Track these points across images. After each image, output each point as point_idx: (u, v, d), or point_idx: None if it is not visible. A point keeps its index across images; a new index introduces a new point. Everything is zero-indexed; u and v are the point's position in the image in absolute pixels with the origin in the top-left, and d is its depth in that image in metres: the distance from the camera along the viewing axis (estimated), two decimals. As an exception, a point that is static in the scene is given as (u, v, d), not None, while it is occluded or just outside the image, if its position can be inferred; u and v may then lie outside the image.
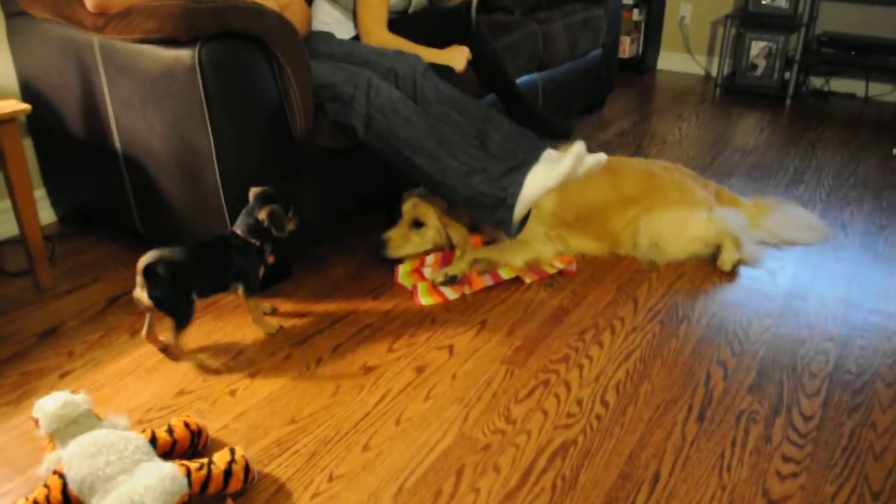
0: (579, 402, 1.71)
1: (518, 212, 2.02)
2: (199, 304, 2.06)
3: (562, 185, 2.31)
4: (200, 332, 1.96)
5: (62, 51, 2.08)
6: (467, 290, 2.15)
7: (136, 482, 1.27)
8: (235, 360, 1.85)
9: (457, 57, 2.53)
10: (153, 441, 1.43)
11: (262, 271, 1.90)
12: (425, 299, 2.11)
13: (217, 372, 1.80)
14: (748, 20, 4.14)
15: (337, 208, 2.25)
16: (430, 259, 2.25)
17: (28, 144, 2.44)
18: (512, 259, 2.23)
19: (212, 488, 1.35)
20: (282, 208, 1.83)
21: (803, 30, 4.02)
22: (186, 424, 1.50)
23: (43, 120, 2.29)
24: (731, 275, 2.25)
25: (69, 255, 2.35)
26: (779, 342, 1.94)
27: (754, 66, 4.22)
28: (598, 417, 1.66)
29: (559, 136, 2.80)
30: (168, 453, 1.45)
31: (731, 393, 1.75)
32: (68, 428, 1.40)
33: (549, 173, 1.99)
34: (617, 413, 1.68)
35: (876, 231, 2.56)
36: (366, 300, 2.12)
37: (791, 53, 4.15)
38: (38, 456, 1.49)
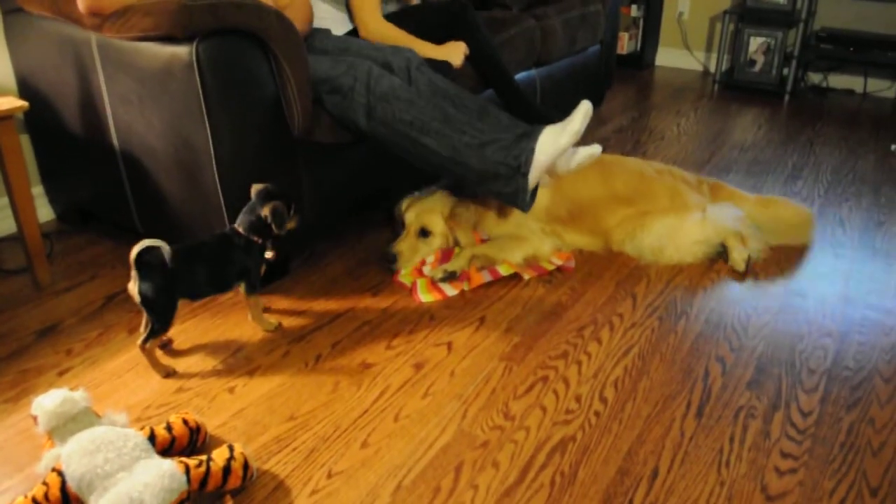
0: (578, 399, 1.71)
1: (532, 178, 2.01)
2: (197, 301, 2.06)
3: (555, 182, 2.32)
4: (199, 330, 1.96)
5: (60, 48, 2.07)
6: (466, 287, 2.15)
7: (135, 479, 1.27)
8: (234, 357, 1.85)
9: (454, 52, 2.53)
10: (152, 438, 1.43)
11: (262, 268, 1.90)
12: (425, 296, 2.11)
13: (179, 384, 1.80)
14: (746, 16, 4.14)
15: (336, 205, 2.24)
16: (430, 258, 2.25)
17: (26, 142, 2.43)
18: (510, 255, 2.23)
19: (210, 485, 1.35)
20: (284, 205, 1.83)
21: (802, 25, 4.02)
22: (185, 421, 1.50)
23: (41, 117, 2.29)
24: (746, 272, 2.24)
25: (67, 253, 2.35)
26: (777, 338, 1.94)
27: (753, 62, 4.22)
28: (596, 414, 1.66)
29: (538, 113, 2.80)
30: (167, 450, 1.45)
31: (729, 389, 1.75)
32: (67, 425, 1.40)
33: (559, 135, 1.98)
34: (615, 409, 1.68)
35: (874, 227, 2.56)
36: (364, 297, 2.12)
37: (789, 49, 4.14)
38: (37, 453, 1.50)
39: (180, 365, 1.82)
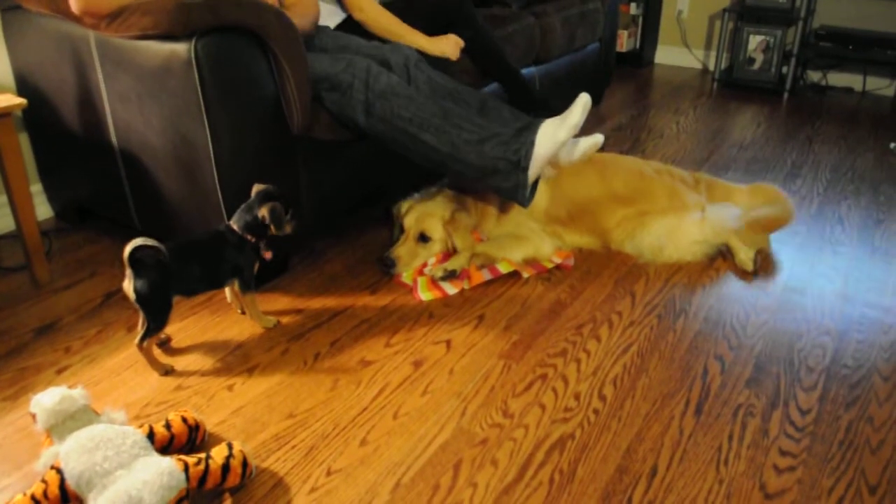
0: (577, 397, 1.71)
1: (532, 173, 2.01)
2: (197, 299, 2.06)
3: (554, 182, 2.32)
4: (197, 328, 1.96)
5: (58, 45, 2.07)
6: (466, 285, 2.15)
7: (134, 477, 1.27)
8: (233, 354, 1.85)
9: (449, 46, 2.51)
10: (151, 436, 1.43)
11: (256, 266, 1.90)
12: (425, 294, 2.11)
13: (177, 383, 1.81)
14: (746, 14, 4.14)
15: (335, 203, 2.24)
16: (431, 259, 2.24)
17: (24, 140, 2.43)
18: (510, 254, 2.23)
19: (210, 483, 1.35)
20: (282, 206, 1.82)
21: (801, 23, 4.01)
22: (184, 419, 1.50)
23: (39, 115, 2.29)
24: (755, 271, 2.24)
25: (66, 251, 2.35)
26: (776, 336, 1.94)
27: (752, 60, 4.22)
28: (595, 411, 1.66)
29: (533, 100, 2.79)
30: (166, 448, 1.45)
31: (728, 387, 1.75)
32: (66, 423, 1.40)
33: (559, 128, 1.98)
34: (614, 407, 1.68)
35: (873, 225, 2.56)
36: (363, 295, 2.12)
37: (789, 47, 4.14)
38: (36, 451, 1.50)
39: (179, 363, 1.82)
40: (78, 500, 1.32)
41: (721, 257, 2.32)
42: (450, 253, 2.26)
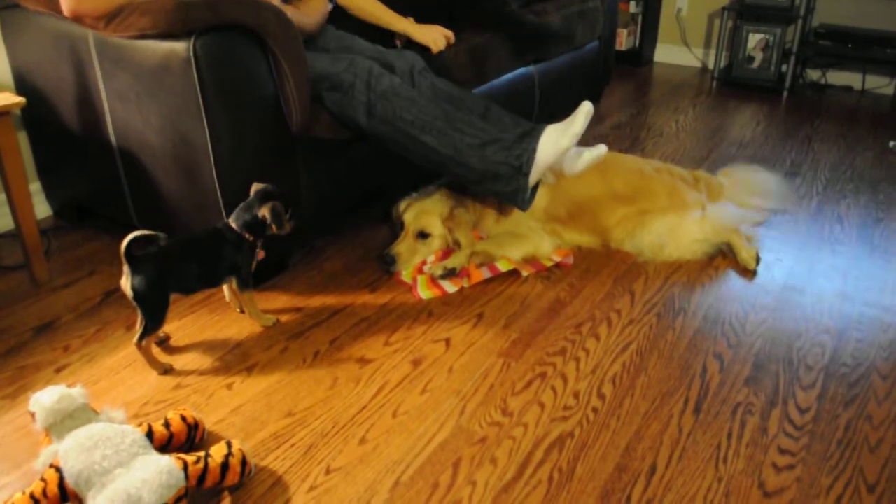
0: (576, 395, 1.71)
1: (532, 178, 2.02)
2: (195, 297, 2.06)
3: (555, 181, 2.32)
4: (196, 326, 1.96)
5: (57, 44, 2.07)
6: (466, 284, 2.15)
7: (133, 476, 1.27)
8: (232, 353, 1.85)
9: (434, 35, 2.50)
10: (150, 435, 1.43)
11: (254, 265, 1.90)
12: (424, 293, 2.11)
13: (174, 378, 1.81)
14: (745, 12, 4.14)
15: (334, 202, 2.24)
16: (431, 256, 2.25)
17: (23, 138, 2.43)
18: (510, 252, 2.23)
19: (209, 481, 1.35)
20: (282, 205, 1.82)
21: (800, 22, 4.01)
22: (183, 418, 1.50)
23: (38, 113, 2.28)
24: (756, 270, 2.25)
25: (65, 249, 2.35)
26: (775, 335, 1.94)
27: (751, 59, 4.22)
28: (594, 410, 1.66)
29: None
30: (165, 447, 1.45)
31: (727, 385, 1.75)
32: (65, 422, 1.40)
33: (561, 136, 1.99)
34: (613, 405, 1.68)
35: (872, 224, 2.56)
36: (363, 293, 2.12)
37: (788, 46, 4.14)
38: (35, 450, 1.49)
39: (178, 361, 1.82)
40: (77, 499, 1.32)
41: (721, 256, 2.32)
42: (450, 251, 2.26)
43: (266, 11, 1.84)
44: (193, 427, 1.51)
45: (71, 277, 2.19)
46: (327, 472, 1.49)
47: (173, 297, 1.75)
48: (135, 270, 1.66)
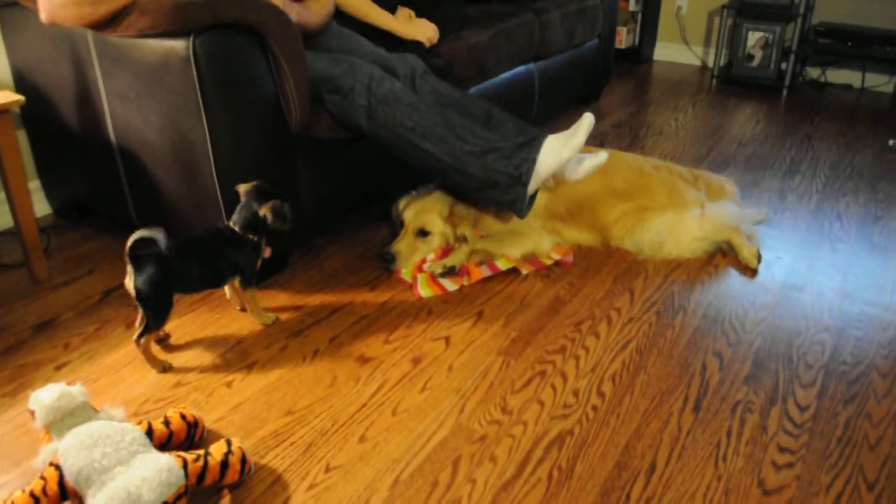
0: (575, 393, 1.71)
1: (531, 188, 2.03)
2: (195, 295, 2.06)
3: (553, 187, 2.32)
4: (196, 324, 1.96)
5: (56, 42, 2.06)
6: (466, 282, 2.15)
7: (133, 474, 1.27)
8: (232, 351, 1.85)
9: (422, 30, 2.50)
10: (149, 433, 1.43)
11: (258, 263, 1.90)
12: (425, 291, 2.11)
13: (170, 373, 1.81)
14: (745, 10, 4.14)
15: (334, 200, 2.24)
16: (430, 255, 2.25)
17: (22, 136, 2.42)
18: (509, 250, 2.23)
19: (208, 480, 1.36)
20: (280, 202, 1.82)
21: (800, 20, 4.01)
22: (183, 416, 1.50)
23: (37, 112, 2.28)
24: (758, 268, 2.25)
25: (64, 248, 2.35)
26: (774, 333, 1.95)
27: (751, 57, 4.22)
28: (594, 408, 1.66)
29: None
30: (164, 445, 1.45)
31: (726, 383, 1.75)
32: (64, 420, 1.40)
33: (563, 147, 1.99)
34: (613, 403, 1.68)
35: (872, 222, 2.56)
36: (362, 291, 2.12)
37: (788, 44, 4.14)
38: (35, 448, 1.49)
39: (178, 359, 1.82)
40: (77, 497, 1.32)
41: (721, 254, 2.32)
42: (449, 249, 2.26)
43: (265, 10, 1.84)
44: (193, 425, 1.51)
45: (70, 276, 2.19)
46: (327, 470, 1.49)
47: (176, 296, 1.75)
48: (138, 270, 1.66)
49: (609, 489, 1.44)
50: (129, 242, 1.64)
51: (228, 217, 1.87)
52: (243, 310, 2.00)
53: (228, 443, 1.41)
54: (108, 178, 2.19)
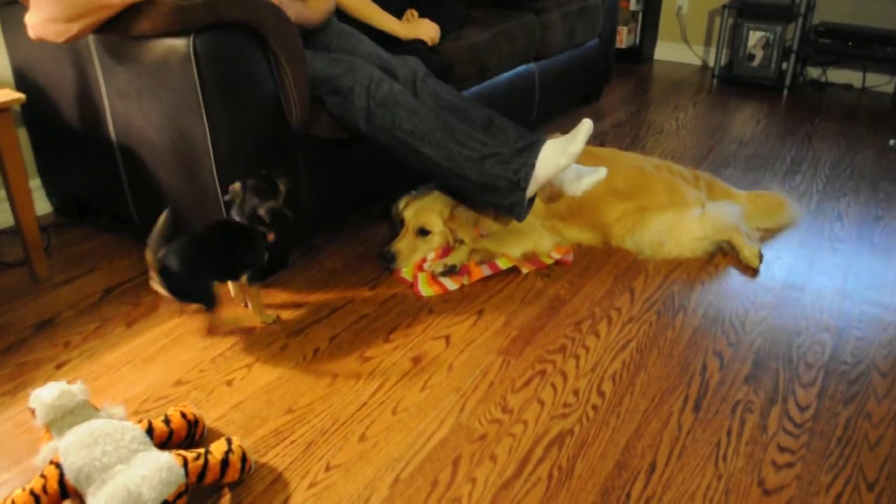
0: (576, 392, 1.71)
1: (530, 192, 2.03)
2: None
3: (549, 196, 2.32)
4: (196, 322, 1.96)
5: (57, 40, 2.06)
6: (466, 281, 2.15)
7: (133, 472, 1.27)
8: (232, 350, 1.85)
9: (425, 29, 2.50)
10: (150, 431, 1.43)
11: (266, 257, 1.90)
12: (425, 290, 2.11)
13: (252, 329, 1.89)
14: (745, 10, 4.13)
15: (334, 199, 2.24)
16: (431, 254, 2.25)
17: (23, 134, 2.42)
18: (510, 249, 2.23)
19: (209, 478, 1.36)
20: (277, 203, 1.82)
21: (801, 20, 4.01)
22: (183, 414, 1.50)
23: (38, 110, 2.28)
24: (759, 268, 2.24)
25: (65, 246, 2.35)
26: (775, 333, 1.95)
27: (751, 57, 4.21)
28: (594, 407, 1.66)
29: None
30: (165, 443, 1.45)
31: (727, 383, 1.75)
32: (65, 418, 1.40)
33: (561, 154, 1.99)
34: (613, 403, 1.68)
35: (872, 222, 2.56)
36: (363, 290, 2.12)
37: (788, 44, 4.14)
38: (35, 446, 1.49)
39: (178, 357, 1.82)
40: (77, 495, 1.32)
41: (721, 254, 2.32)
42: (449, 248, 2.25)
43: (265, 9, 1.84)
44: (193, 423, 1.51)
45: (71, 274, 2.19)
46: (327, 468, 1.49)
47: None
48: (167, 279, 1.73)
49: (609, 488, 1.45)
50: (154, 260, 1.71)
51: (227, 213, 1.87)
52: (247, 306, 2.00)
53: (229, 441, 1.42)
54: (109, 176, 2.19)
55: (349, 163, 2.24)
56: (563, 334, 1.93)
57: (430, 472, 1.48)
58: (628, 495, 1.43)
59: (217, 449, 1.39)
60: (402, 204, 2.33)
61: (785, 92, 4.15)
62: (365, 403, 1.67)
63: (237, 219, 1.83)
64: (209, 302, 1.82)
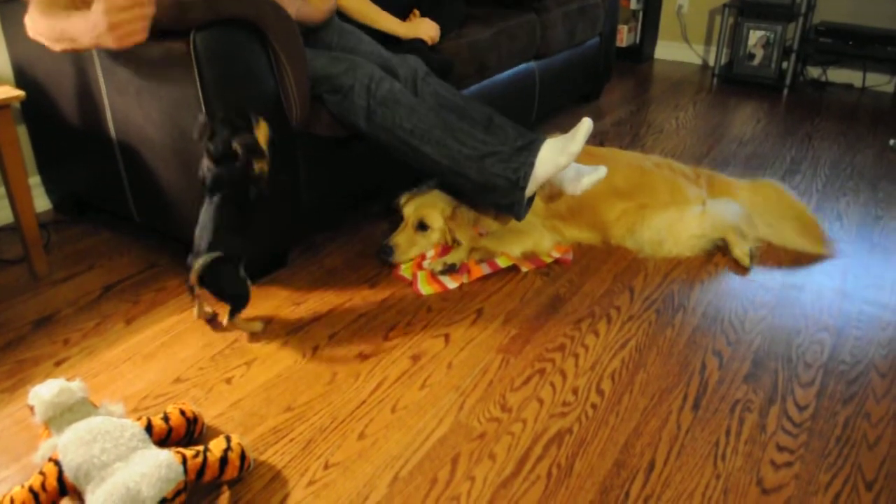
0: (575, 391, 1.71)
1: (529, 192, 2.03)
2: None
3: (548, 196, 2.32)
4: (195, 320, 1.95)
5: (56, 37, 2.06)
6: (466, 280, 2.15)
7: (132, 469, 1.27)
8: (231, 347, 1.85)
9: (425, 28, 2.50)
10: (149, 428, 1.43)
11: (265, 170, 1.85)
12: (425, 288, 2.11)
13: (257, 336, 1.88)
14: (746, 9, 4.13)
15: (334, 197, 2.24)
16: (430, 252, 2.25)
17: (23, 132, 2.42)
18: (510, 248, 2.23)
19: (207, 476, 1.36)
20: (252, 137, 1.77)
21: (801, 19, 4.01)
22: (182, 412, 1.50)
23: (37, 107, 2.28)
24: (751, 267, 2.24)
25: (64, 243, 2.35)
26: (774, 332, 1.95)
27: (752, 56, 4.21)
28: (593, 406, 1.66)
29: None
30: (164, 441, 1.45)
31: (726, 382, 1.75)
32: (64, 415, 1.40)
33: (560, 153, 1.99)
34: (612, 402, 1.68)
35: (872, 222, 2.56)
36: (362, 289, 2.12)
37: (789, 43, 4.14)
38: (34, 443, 1.50)
39: (177, 356, 1.82)
40: (76, 493, 1.32)
41: (720, 253, 2.32)
42: (449, 247, 2.25)
43: (265, 6, 1.83)
44: (192, 421, 1.51)
45: (70, 271, 2.19)
46: (326, 466, 1.49)
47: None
48: (211, 286, 1.78)
49: (608, 487, 1.45)
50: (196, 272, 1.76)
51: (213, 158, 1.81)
52: (209, 320, 1.97)
53: (228, 439, 1.42)
54: (109, 173, 2.19)
55: (349, 161, 2.24)
56: (562, 333, 1.93)
57: (428, 471, 1.48)
58: (627, 494, 1.43)
59: (216, 447, 1.39)
60: (403, 199, 2.33)
61: (785, 91, 4.15)
62: (364, 401, 1.67)
63: (209, 159, 1.78)
64: (242, 302, 1.84)
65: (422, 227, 2.24)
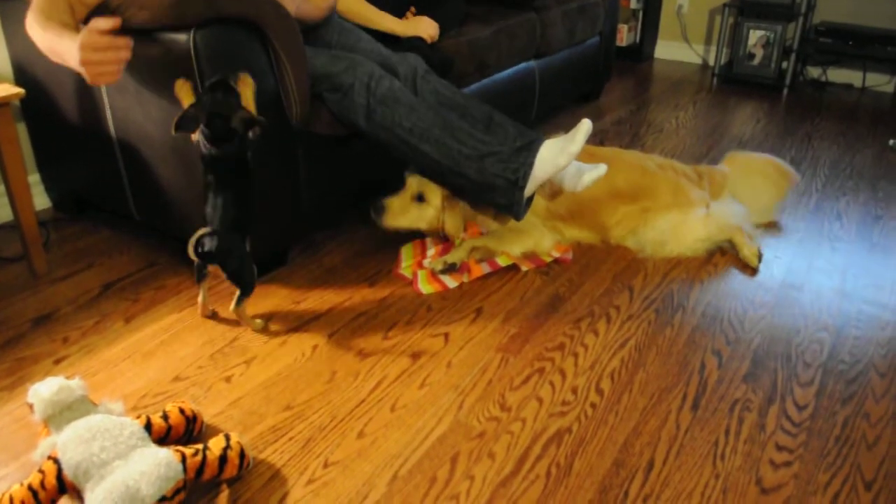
0: (574, 390, 1.71)
1: (528, 192, 2.03)
2: (193, 290, 2.06)
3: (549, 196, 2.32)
4: (195, 318, 1.96)
5: (56, 35, 2.06)
6: (465, 279, 2.15)
7: (131, 468, 1.27)
8: (231, 346, 1.85)
9: (424, 26, 2.50)
10: (148, 427, 1.43)
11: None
12: (425, 287, 2.11)
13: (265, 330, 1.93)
14: (746, 9, 4.13)
15: (334, 196, 2.24)
16: (430, 251, 2.24)
17: (22, 130, 2.42)
18: (510, 248, 2.23)
19: (207, 474, 1.36)
20: (247, 112, 1.76)
21: (801, 19, 4.01)
22: (181, 410, 1.50)
23: (37, 105, 2.28)
24: (759, 267, 2.24)
25: (64, 241, 2.35)
26: (773, 332, 1.95)
27: (752, 56, 4.21)
28: (592, 405, 1.67)
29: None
30: (163, 439, 1.45)
31: (725, 382, 1.75)
32: (63, 413, 1.40)
33: (560, 153, 1.98)
34: (612, 401, 1.68)
35: (871, 221, 2.56)
36: (362, 287, 2.12)
37: (789, 43, 4.14)
38: (33, 441, 1.49)
39: (177, 354, 1.82)
40: (75, 491, 1.32)
41: (720, 252, 2.32)
42: (449, 245, 2.25)
43: (265, 4, 1.83)
44: (192, 419, 1.51)
45: (70, 269, 2.19)
46: (325, 465, 1.49)
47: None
48: (221, 262, 1.78)
49: (607, 486, 1.45)
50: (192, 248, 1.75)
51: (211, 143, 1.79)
52: (210, 316, 1.98)
53: (227, 437, 1.42)
54: (108, 171, 2.19)
55: (349, 160, 2.24)
56: (561, 332, 1.93)
57: (428, 469, 1.48)
58: (626, 493, 1.43)
59: (215, 445, 1.39)
60: (409, 169, 2.28)
61: (785, 91, 4.15)
62: (363, 400, 1.67)
63: (208, 141, 1.77)
64: (249, 285, 1.85)
65: (420, 198, 2.22)
